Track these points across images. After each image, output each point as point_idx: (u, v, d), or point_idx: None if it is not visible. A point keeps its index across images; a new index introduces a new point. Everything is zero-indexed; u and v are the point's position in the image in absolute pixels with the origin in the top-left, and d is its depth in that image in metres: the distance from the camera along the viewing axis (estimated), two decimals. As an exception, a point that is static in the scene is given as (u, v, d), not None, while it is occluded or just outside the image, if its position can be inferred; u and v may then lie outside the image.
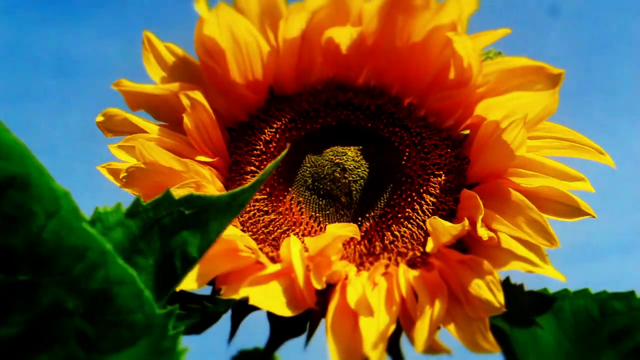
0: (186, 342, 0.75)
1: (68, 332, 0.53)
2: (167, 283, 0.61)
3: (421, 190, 0.83)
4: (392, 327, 0.70)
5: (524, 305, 0.75)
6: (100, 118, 0.82)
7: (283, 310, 0.71)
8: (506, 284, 0.73)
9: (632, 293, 0.75)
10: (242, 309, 0.77)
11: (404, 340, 0.76)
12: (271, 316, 0.76)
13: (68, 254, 0.51)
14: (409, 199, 0.82)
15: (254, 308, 0.74)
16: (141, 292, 0.52)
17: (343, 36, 0.82)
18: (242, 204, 0.60)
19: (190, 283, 0.71)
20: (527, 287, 0.76)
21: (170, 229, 0.59)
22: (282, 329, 0.77)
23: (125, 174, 0.77)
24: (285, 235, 0.81)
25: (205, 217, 0.59)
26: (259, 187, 0.61)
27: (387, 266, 0.78)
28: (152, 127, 0.82)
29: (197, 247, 0.60)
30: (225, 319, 0.77)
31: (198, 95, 0.80)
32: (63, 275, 0.51)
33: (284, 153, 0.70)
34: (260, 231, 0.82)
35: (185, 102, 0.80)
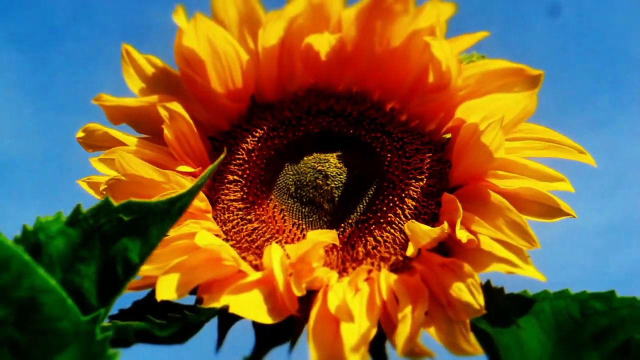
0: (171, 351, 0.76)
1: (0, 340, 0.54)
2: (111, 289, 0.62)
3: (403, 195, 0.83)
4: (373, 331, 0.70)
5: (505, 308, 0.75)
6: (80, 134, 0.83)
7: (264, 317, 0.72)
8: (487, 288, 0.73)
9: (612, 293, 0.75)
10: (228, 318, 0.76)
11: (389, 345, 0.76)
12: (256, 324, 0.76)
13: None
14: (391, 204, 0.82)
15: (241, 317, 0.75)
16: (64, 300, 0.54)
17: (322, 43, 0.82)
18: (181, 209, 0.61)
19: (171, 293, 0.71)
20: (507, 290, 0.75)
21: (110, 236, 0.60)
22: (266, 337, 0.77)
23: (106, 186, 0.78)
24: (268, 243, 0.82)
25: (144, 223, 0.60)
26: (197, 192, 0.62)
27: (369, 271, 0.78)
28: (132, 140, 0.82)
29: (138, 253, 0.61)
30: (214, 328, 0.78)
31: (176, 107, 0.80)
32: None
33: (222, 157, 0.71)
34: (244, 240, 0.83)
35: (164, 113, 0.80)
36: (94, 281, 0.61)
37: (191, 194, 0.62)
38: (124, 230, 0.61)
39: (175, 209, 0.61)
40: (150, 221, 0.61)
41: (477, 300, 0.69)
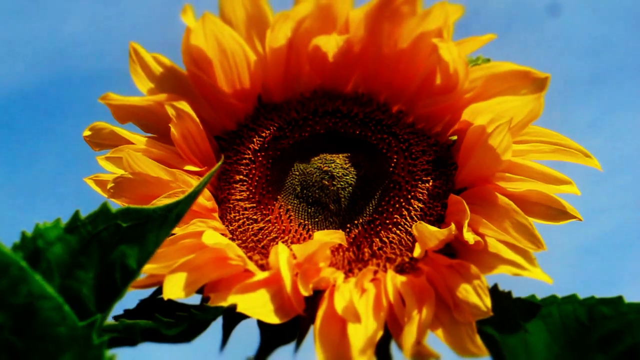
0: (177, 350, 0.76)
1: None
2: (109, 295, 0.62)
3: (409, 197, 0.83)
4: (380, 333, 0.70)
5: (512, 312, 0.75)
6: (87, 132, 0.83)
7: (271, 317, 0.72)
8: (494, 291, 0.73)
9: (620, 298, 0.74)
10: (233, 317, 0.76)
11: (394, 346, 0.76)
12: (261, 324, 0.76)
13: None
14: (397, 205, 0.83)
15: (245, 316, 0.75)
16: (61, 306, 0.54)
17: (329, 44, 0.82)
18: (178, 216, 0.62)
19: (178, 292, 0.71)
20: (515, 294, 0.75)
21: (108, 242, 0.61)
22: (272, 337, 0.77)
23: (113, 184, 0.78)
24: (274, 243, 0.82)
25: (142, 229, 0.61)
26: (195, 199, 0.62)
27: (375, 272, 0.78)
28: (140, 139, 0.82)
29: (135, 259, 0.61)
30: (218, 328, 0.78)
31: (184, 105, 0.81)
32: None
33: (219, 164, 0.71)
34: (250, 239, 0.83)
35: (171, 112, 0.80)
36: (93, 287, 0.62)
37: (188, 201, 0.62)
38: (122, 237, 0.61)
39: (173, 215, 0.61)
40: (148, 227, 0.61)
41: (484, 302, 0.70)
